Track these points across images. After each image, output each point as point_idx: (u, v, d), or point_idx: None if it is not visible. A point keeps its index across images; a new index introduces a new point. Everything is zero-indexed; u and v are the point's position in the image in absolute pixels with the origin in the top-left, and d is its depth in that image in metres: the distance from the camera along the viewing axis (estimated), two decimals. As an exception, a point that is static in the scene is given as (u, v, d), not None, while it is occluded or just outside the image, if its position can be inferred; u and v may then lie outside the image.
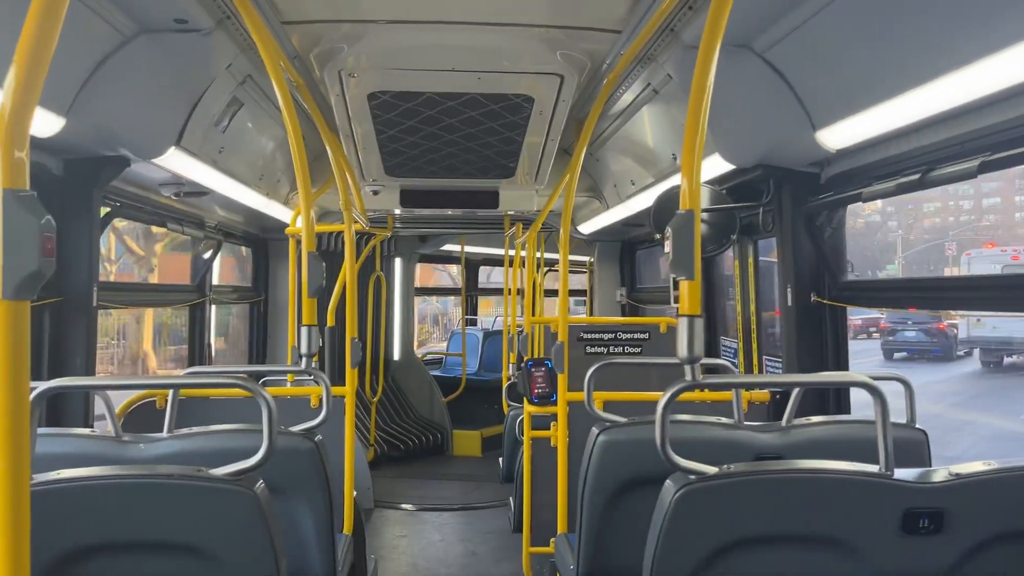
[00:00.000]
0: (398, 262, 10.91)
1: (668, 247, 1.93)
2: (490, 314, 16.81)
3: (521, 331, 6.52)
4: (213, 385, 3.62)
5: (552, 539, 4.47)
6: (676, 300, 5.02)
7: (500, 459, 7.31)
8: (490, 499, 8.08)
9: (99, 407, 3.49)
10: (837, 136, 3.30)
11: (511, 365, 8.46)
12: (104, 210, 3.99)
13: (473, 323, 13.26)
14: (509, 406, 7.37)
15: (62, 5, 1.24)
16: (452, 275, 18.41)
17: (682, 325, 1.95)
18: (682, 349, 1.94)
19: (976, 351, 22.40)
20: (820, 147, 3.42)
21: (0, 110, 1.22)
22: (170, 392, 3.00)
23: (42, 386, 2.10)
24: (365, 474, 7.00)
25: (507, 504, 6.57)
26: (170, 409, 2.94)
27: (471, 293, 12.89)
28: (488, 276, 14.25)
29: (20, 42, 1.22)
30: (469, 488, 8.69)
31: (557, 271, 11.46)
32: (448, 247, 12.09)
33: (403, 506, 7.93)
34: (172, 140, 3.56)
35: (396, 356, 10.68)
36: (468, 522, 7.53)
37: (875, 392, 2.03)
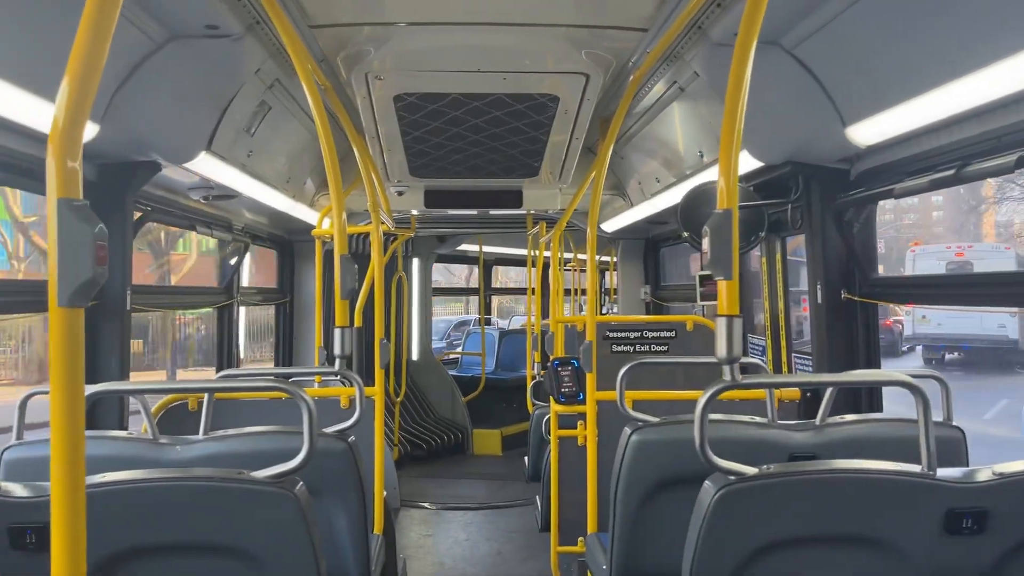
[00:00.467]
0: (415, 262, 10.96)
1: (705, 246, 1.93)
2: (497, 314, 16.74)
3: (546, 330, 6.52)
4: (252, 389, 3.67)
5: (581, 538, 4.47)
6: (703, 298, 5.01)
7: (525, 458, 7.33)
8: (515, 498, 8.09)
9: (133, 407, 3.55)
10: (867, 132, 3.27)
11: (536, 364, 8.46)
12: (136, 215, 4.04)
13: (488, 323, 13.30)
14: (534, 405, 7.38)
15: (112, 19, 1.26)
16: (450, 271, 18.29)
17: (720, 325, 1.94)
18: (721, 349, 1.93)
19: (919, 347, 22.48)
20: (850, 143, 3.39)
21: (53, 122, 1.24)
22: (206, 395, 3.03)
23: (89, 390, 2.12)
24: (392, 474, 7.04)
25: (532, 503, 6.58)
26: (205, 412, 2.97)
27: (489, 292, 12.89)
28: (497, 276, 14.22)
29: (72, 55, 1.24)
30: (494, 487, 8.71)
31: (570, 270, 11.47)
32: (464, 247, 12.11)
33: (428, 505, 7.96)
34: (203, 145, 3.60)
35: (415, 356, 10.72)
36: (493, 521, 7.55)
37: (917, 391, 2.01)
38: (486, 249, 11.99)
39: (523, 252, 12.69)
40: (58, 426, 1.24)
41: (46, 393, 3.14)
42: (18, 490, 1.95)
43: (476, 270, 12.56)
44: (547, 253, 8.47)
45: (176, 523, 1.99)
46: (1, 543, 1.92)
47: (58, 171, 1.23)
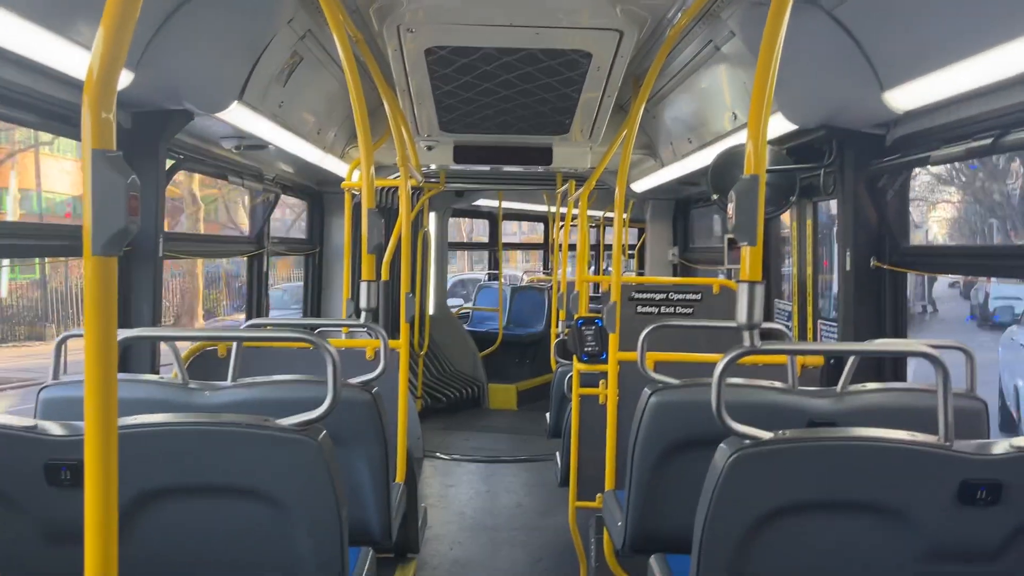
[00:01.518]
0: (432, 216, 10.99)
1: (730, 211, 1.92)
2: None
3: (572, 288, 6.54)
4: (279, 338, 3.74)
5: (599, 494, 4.53)
6: (731, 260, 4.96)
7: (547, 414, 7.42)
8: (535, 453, 8.20)
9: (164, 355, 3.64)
10: (906, 97, 3.19)
11: (560, 322, 8.50)
12: (168, 163, 4.09)
13: (494, 278, 13.37)
14: (557, 363, 7.43)
15: None
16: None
17: (742, 291, 1.94)
18: (741, 315, 1.94)
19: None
20: (887, 108, 3.31)
21: (88, 73, 1.26)
22: (234, 343, 3.10)
23: (121, 335, 2.19)
24: (416, 425, 7.18)
25: (552, 459, 6.67)
26: (234, 359, 3.04)
27: (506, 248, 12.84)
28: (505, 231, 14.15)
29: (107, 6, 1.25)
30: (516, 441, 8.83)
31: (595, 226, 11.36)
32: (481, 202, 12.06)
33: (450, 457, 8.10)
34: (235, 95, 3.62)
35: (431, 311, 10.82)
36: (514, 474, 7.67)
37: (936, 362, 2.01)
38: (506, 205, 11.97)
39: (538, 208, 12.71)
40: (92, 369, 1.29)
41: (82, 335, 3.24)
42: (54, 428, 2.03)
43: (474, 225, 12.56)
44: (564, 210, 8.44)
45: (204, 466, 2.06)
46: (37, 479, 2.00)
47: (93, 122, 1.25)
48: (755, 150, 1.91)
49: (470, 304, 12.49)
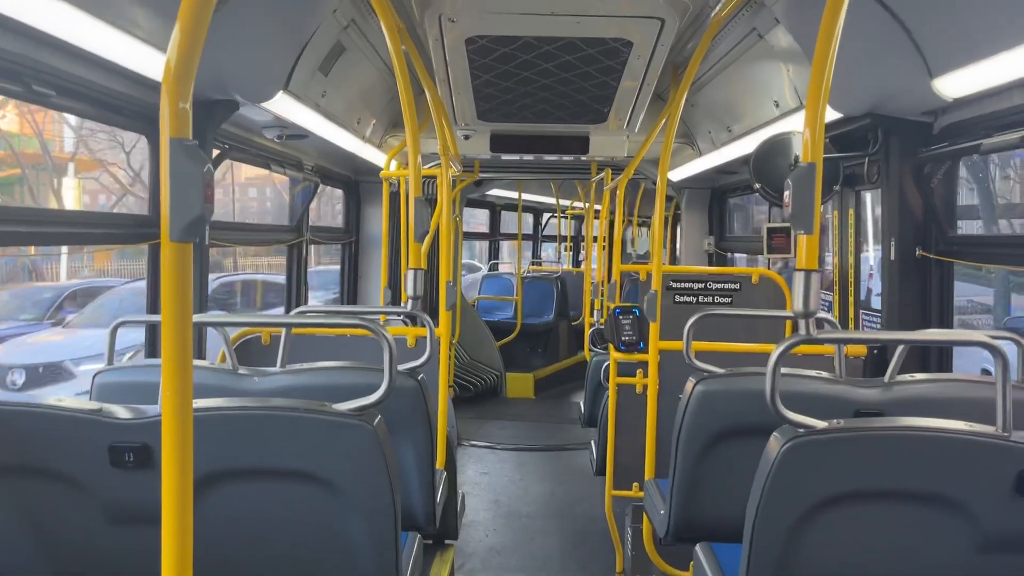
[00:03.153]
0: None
1: (787, 199, 1.91)
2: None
3: (610, 278, 6.54)
4: (334, 325, 3.80)
5: (635, 483, 4.55)
6: (771, 250, 4.94)
7: (580, 402, 7.43)
8: (568, 441, 8.23)
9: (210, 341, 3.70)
10: (956, 84, 3.14)
11: (596, 312, 8.50)
12: (215, 152, 4.15)
13: (495, 268, 13.41)
14: (592, 352, 7.44)
15: None
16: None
17: (798, 279, 1.94)
18: (797, 303, 1.94)
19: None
20: (936, 95, 3.27)
21: (166, 65, 1.30)
22: (284, 329, 3.15)
23: (195, 319, 2.22)
24: (451, 412, 7.24)
25: (585, 447, 6.69)
26: (283, 346, 3.09)
27: (522, 238, 12.89)
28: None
29: (184, 1, 1.29)
30: (546, 430, 8.88)
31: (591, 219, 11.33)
32: (496, 192, 12.08)
33: (483, 445, 8.17)
34: (280, 84, 3.66)
35: None
36: (546, 463, 7.71)
37: (995, 351, 1.99)
38: (515, 195, 12.04)
39: (550, 200, 12.76)
40: (170, 350, 1.33)
41: (134, 322, 3.29)
42: (120, 411, 2.08)
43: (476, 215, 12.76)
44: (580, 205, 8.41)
45: (262, 449, 2.10)
46: (101, 460, 2.06)
47: (171, 112, 1.29)
48: (812, 138, 1.90)
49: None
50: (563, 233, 13.61)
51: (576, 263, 14.43)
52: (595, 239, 10.32)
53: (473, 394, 9.89)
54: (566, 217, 13.56)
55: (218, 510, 2.09)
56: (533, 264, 13.87)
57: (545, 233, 15.10)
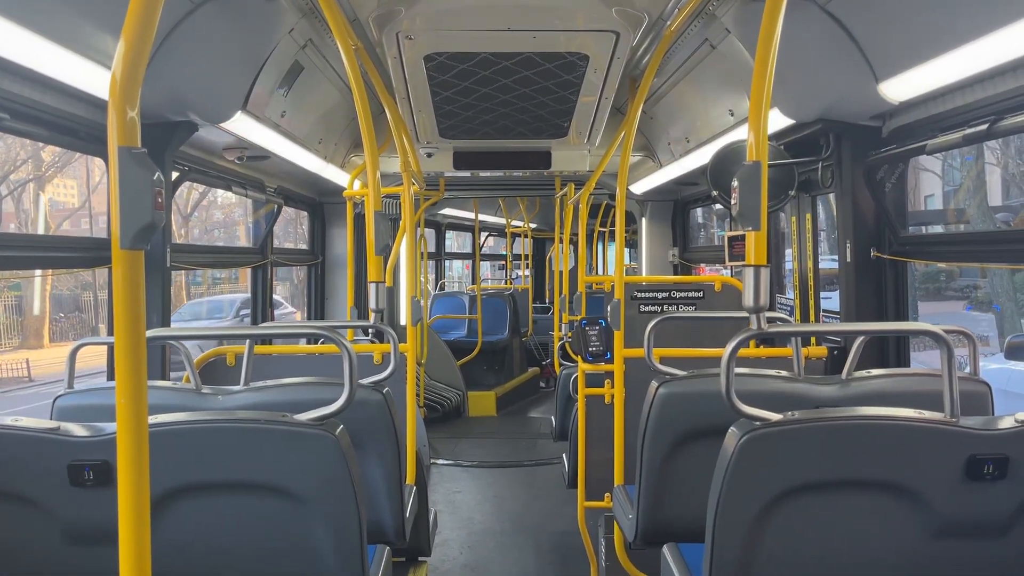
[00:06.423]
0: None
1: (734, 198, 1.96)
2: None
3: (575, 291, 6.58)
4: (298, 335, 3.78)
5: (607, 494, 4.56)
6: (731, 258, 5.03)
7: (552, 417, 7.44)
8: (540, 457, 8.23)
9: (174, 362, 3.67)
10: (901, 88, 3.24)
11: (564, 326, 8.55)
12: (173, 175, 4.13)
13: (442, 288, 13.42)
14: (562, 365, 7.46)
15: None
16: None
17: (748, 275, 1.98)
18: (748, 299, 1.98)
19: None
20: (883, 99, 3.36)
21: (112, 75, 1.30)
22: (246, 345, 3.13)
23: (149, 333, 2.21)
24: (422, 430, 7.22)
25: (557, 462, 6.68)
26: (247, 362, 3.07)
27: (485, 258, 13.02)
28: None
29: (130, 5, 1.30)
30: (517, 446, 8.87)
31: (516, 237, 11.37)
32: (449, 210, 12.19)
33: (454, 463, 8.13)
34: (238, 105, 3.66)
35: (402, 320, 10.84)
36: (518, 479, 7.70)
37: (941, 340, 2.04)
38: (461, 214, 12.16)
39: (500, 220, 12.95)
40: (123, 364, 1.32)
41: (94, 343, 3.25)
42: (77, 430, 2.06)
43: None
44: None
45: (223, 463, 2.09)
46: (60, 479, 2.03)
47: (119, 120, 1.29)
48: (756, 139, 1.95)
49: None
50: (509, 252, 13.84)
51: (513, 280, 14.64)
52: (525, 256, 10.34)
53: (440, 414, 9.87)
54: (520, 235, 13.76)
55: (181, 526, 2.07)
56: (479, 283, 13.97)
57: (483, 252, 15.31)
